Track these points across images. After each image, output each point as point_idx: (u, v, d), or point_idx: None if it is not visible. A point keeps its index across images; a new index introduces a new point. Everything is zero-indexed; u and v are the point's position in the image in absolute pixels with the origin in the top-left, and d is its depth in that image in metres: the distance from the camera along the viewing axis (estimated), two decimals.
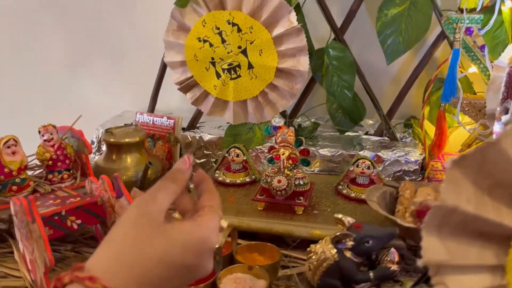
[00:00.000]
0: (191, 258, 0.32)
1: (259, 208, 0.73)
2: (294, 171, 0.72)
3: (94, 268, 0.28)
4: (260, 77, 0.89)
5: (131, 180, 0.82)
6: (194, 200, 0.37)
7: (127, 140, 0.85)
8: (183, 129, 1.05)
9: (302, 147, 0.74)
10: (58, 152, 0.77)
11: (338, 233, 0.56)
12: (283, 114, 1.01)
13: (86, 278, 0.27)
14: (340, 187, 0.79)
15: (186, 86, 0.96)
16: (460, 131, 0.99)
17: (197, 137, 1.01)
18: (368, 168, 0.76)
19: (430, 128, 0.95)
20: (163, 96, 1.11)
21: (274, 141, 0.76)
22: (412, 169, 0.88)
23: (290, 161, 0.72)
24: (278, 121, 0.74)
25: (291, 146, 0.73)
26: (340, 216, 0.59)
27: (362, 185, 0.77)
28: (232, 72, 0.90)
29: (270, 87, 0.90)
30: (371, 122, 1.06)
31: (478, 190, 0.33)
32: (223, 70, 0.91)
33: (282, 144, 0.73)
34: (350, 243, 0.55)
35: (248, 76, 0.90)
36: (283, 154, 0.72)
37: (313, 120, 1.05)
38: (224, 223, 0.36)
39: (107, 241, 0.30)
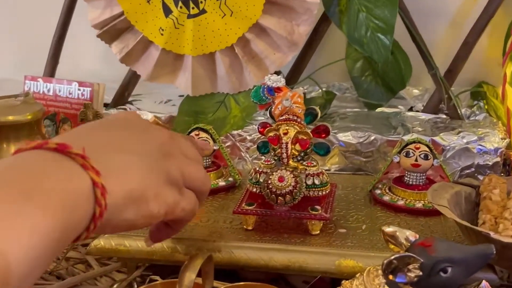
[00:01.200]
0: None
1: (246, 227, 0.70)
2: (305, 163, 0.69)
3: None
4: (239, 13, 0.86)
5: None
6: None
7: (10, 118, 0.82)
8: (106, 105, 1.03)
9: (316, 124, 0.71)
10: None
11: (393, 257, 0.52)
12: None
13: (42, 143, 0.38)
14: (377, 191, 0.77)
15: (112, 31, 0.93)
16: None
17: None
18: (426, 157, 0.74)
19: None
20: (67, 55, 1.07)
21: (268, 114, 0.72)
22: (490, 163, 0.87)
23: (298, 146, 0.68)
24: (276, 79, 0.70)
25: (299, 120, 0.69)
26: (391, 229, 0.55)
27: (415, 186, 0.75)
28: (192, 6, 0.87)
29: (256, 31, 0.88)
30: (416, 91, 1.06)
31: None
32: (176, 2, 0.88)
33: (283, 118, 0.69)
34: (415, 273, 0.51)
35: (219, 12, 0.87)
36: (285, 134, 0.68)
37: (324, 88, 1.03)
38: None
39: None
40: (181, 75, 0.93)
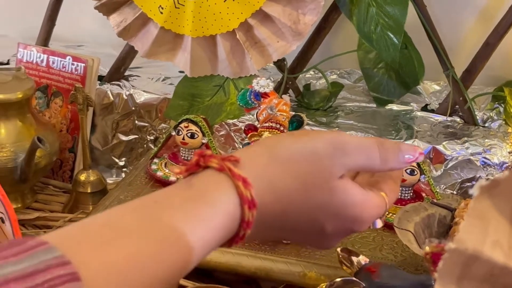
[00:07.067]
0: (323, 224, 0.54)
1: None
2: None
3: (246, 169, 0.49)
4: None
5: (7, 167, 0.92)
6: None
7: (0, 97, 0.93)
8: (101, 78, 1.14)
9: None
10: None
11: (337, 279, 0.66)
12: (279, 65, 1.10)
13: (240, 178, 0.47)
14: None
15: (110, 4, 1.04)
16: None
17: (125, 96, 1.11)
18: (412, 172, 0.86)
19: None
20: (65, 14, 1.18)
21: (255, 116, 0.86)
22: (493, 178, 0.98)
23: None
24: (264, 84, 0.81)
25: (281, 129, 0.82)
26: (345, 251, 0.70)
27: (399, 201, 0.85)
28: None
29: (259, 17, 0.98)
30: (436, 87, 1.16)
31: None
32: None
33: (266, 125, 0.83)
34: None
35: None
36: None
37: (332, 77, 1.13)
38: (381, 223, 0.58)
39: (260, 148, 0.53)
40: (180, 54, 1.05)
